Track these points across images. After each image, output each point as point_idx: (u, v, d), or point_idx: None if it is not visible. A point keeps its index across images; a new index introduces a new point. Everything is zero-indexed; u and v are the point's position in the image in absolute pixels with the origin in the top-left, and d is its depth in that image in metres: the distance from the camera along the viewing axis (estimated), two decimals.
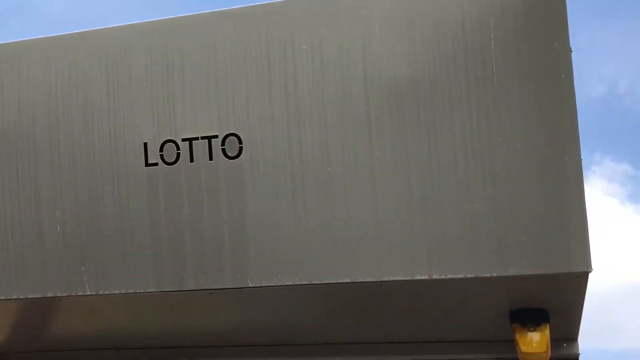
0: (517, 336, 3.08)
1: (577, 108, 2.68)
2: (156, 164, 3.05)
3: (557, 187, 2.68)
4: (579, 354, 3.39)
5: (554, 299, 3.00)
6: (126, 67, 3.12)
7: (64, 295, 3.16)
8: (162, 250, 3.06)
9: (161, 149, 3.05)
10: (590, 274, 2.72)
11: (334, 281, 2.93)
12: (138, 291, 3.10)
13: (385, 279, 2.87)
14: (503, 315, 3.14)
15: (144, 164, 3.06)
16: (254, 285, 2.98)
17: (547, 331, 3.07)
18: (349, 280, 2.91)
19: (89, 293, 3.14)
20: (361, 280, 2.90)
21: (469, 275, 2.78)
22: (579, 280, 2.76)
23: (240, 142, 2.97)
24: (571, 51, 2.73)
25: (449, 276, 2.80)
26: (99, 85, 3.14)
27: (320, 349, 3.62)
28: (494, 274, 2.75)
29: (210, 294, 3.06)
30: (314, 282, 2.95)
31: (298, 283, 2.96)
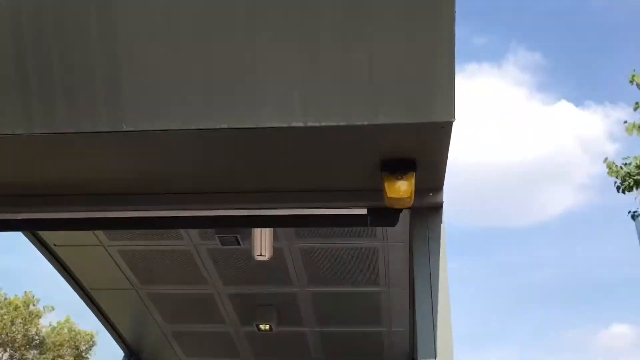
0: (386, 184, 3.26)
1: None
2: None
3: (427, 37, 2.74)
4: (443, 202, 3.65)
5: (421, 149, 3.16)
6: None
7: None
8: (30, 91, 2.93)
9: None
10: (454, 124, 2.88)
11: (210, 127, 2.93)
12: (6, 132, 2.98)
13: (262, 125, 2.91)
14: (374, 165, 3.30)
15: None
16: (128, 129, 2.93)
17: (413, 180, 3.26)
18: (225, 126, 2.92)
19: None
20: (238, 126, 2.92)
21: (341, 123, 2.87)
22: (444, 130, 2.92)
23: None
24: None
25: (322, 124, 2.88)
26: None
27: (194, 198, 3.66)
28: (365, 122, 2.85)
29: (85, 137, 2.99)
30: (190, 128, 2.94)
31: (174, 128, 2.94)
